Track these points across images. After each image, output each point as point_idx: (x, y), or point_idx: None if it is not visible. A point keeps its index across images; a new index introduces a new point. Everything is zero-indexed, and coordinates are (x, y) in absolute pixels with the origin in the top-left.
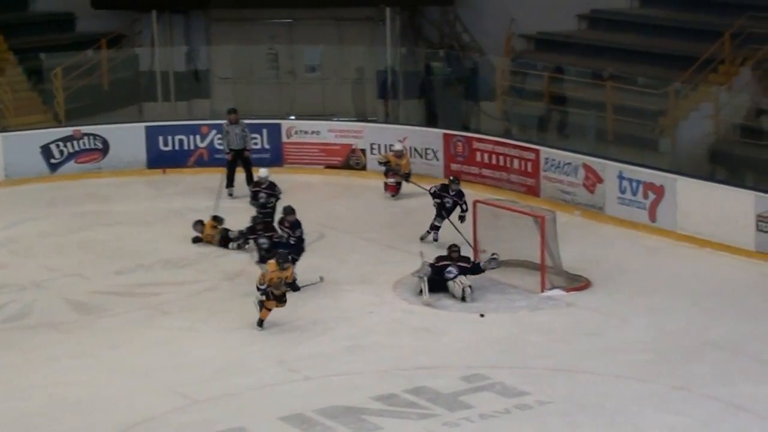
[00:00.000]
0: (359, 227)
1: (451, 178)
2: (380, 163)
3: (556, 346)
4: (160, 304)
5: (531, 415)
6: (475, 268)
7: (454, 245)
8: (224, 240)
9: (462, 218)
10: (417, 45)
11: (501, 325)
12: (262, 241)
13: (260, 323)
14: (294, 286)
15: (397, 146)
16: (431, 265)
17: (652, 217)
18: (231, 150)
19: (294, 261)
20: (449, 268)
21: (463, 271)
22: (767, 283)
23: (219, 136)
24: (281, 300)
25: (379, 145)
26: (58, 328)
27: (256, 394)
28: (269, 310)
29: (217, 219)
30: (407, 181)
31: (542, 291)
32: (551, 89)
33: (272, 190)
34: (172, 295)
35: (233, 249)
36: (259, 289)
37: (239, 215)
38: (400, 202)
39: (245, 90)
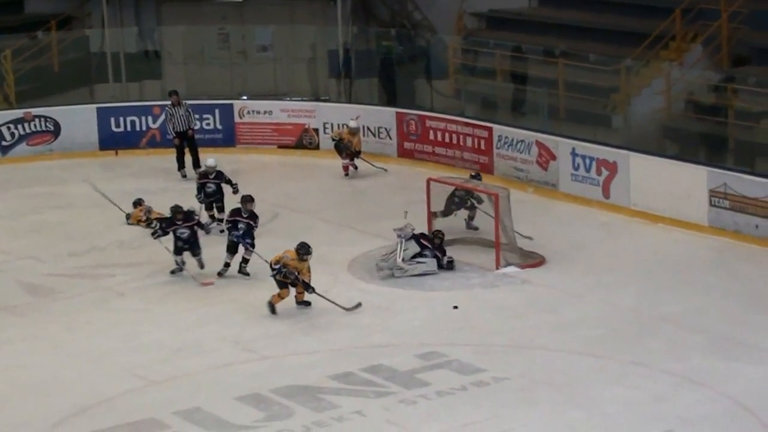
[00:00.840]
0: (313, 207)
1: (472, 174)
2: (333, 139)
3: (511, 323)
4: (115, 285)
5: (488, 391)
6: (444, 265)
7: (440, 231)
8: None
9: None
10: (368, 24)
11: (456, 303)
12: (182, 231)
13: (272, 309)
14: (307, 286)
15: (352, 123)
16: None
17: (606, 194)
18: (177, 133)
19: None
20: (425, 251)
21: (435, 259)
22: (720, 258)
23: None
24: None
25: (332, 124)
26: (12, 311)
27: (212, 374)
28: (282, 298)
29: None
30: (357, 157)
31: (497, 268)
32: (503, 67)
33: (220, 179)
34: (126, 276)
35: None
36: (273, 268)
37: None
38: (354, 181)
39: (197, 70)
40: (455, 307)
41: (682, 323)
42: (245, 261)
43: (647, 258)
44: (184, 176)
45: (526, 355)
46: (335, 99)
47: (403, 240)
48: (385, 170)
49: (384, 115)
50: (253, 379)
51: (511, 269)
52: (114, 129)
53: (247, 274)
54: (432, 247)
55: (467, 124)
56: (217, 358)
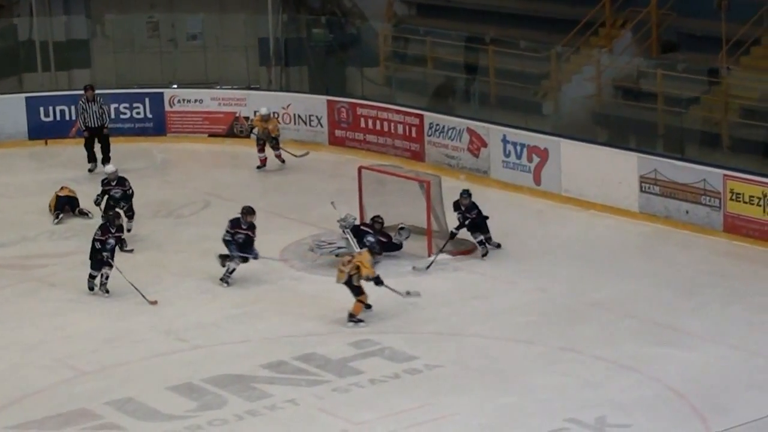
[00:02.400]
0: (244, 195)
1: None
2: (241, 131)
3: (443, 311)
4: (46, 276)
5: (420, 379)
6: (392, 245)
7: (378, 216)
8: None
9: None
10: (299, 11)
11: (388, 290)
12: (111, 242)
13: (352, 317)
14: (378, 281)
15: (263, 110)
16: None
17: (537, 180)
18: (87, 128)
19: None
20: (368, 237)
21: (382, 245)
22: (651, 244)
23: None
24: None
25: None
26: None
27: (144, 364)
28: (363, 303)
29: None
30: (276, 147)
31: (429, 255)
32: (433, 54)
33: (123, 185)
34: (58, 266)
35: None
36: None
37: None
38: (285, 169)
39: (126, 59)
40: (408, 293)
41: (613, 309)
42: (231, 271)
43: (578, 244)
44: (92, 170)
45: (458, 343)
46: (266, 87)
47: (348, 230)
48: (307, 153)
49: (315, 103)
50: (185, 368)
51: (442, 256)
52: (43, 118)
53: (227, 284)
54: (373, 232)
55: (398, 112)
56: (148, 348)
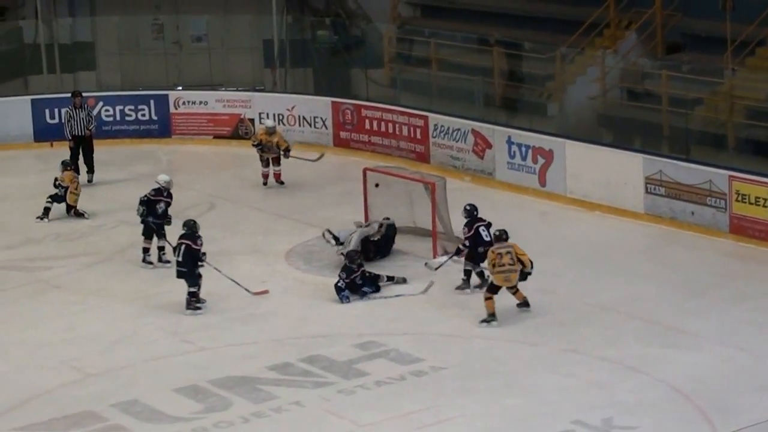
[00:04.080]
0: (250, 197)
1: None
2: (254, 145)
3: (448, 312)
4: (52, 278)
5: (426, 381)
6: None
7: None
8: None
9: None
10: (303, 13)
11: (393, 292)
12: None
13: (493, 315)
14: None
15: (268, 122)
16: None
17: (542, 182)
18: (73, 136)
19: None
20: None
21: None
22: (656, 245)
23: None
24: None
25: (267, 114)
26: None
27: (149, 366)
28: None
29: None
30: (287, 156)
31: (434, 257)
32: (438, 56)
33: (171, 199)
34: (63, 268)
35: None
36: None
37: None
38: (290, 170)
39: (131, 61)
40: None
41: (618, 310)
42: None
43: (584, 246)
44: (90, 181)
45: (463, 344)
46: (270, 89)
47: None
48: (322, 155)
49: (319, 105)
50: (190, 370)
51: (445, 259)
52: (49, 120)
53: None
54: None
55: (403, 113)
56: (154, 350)
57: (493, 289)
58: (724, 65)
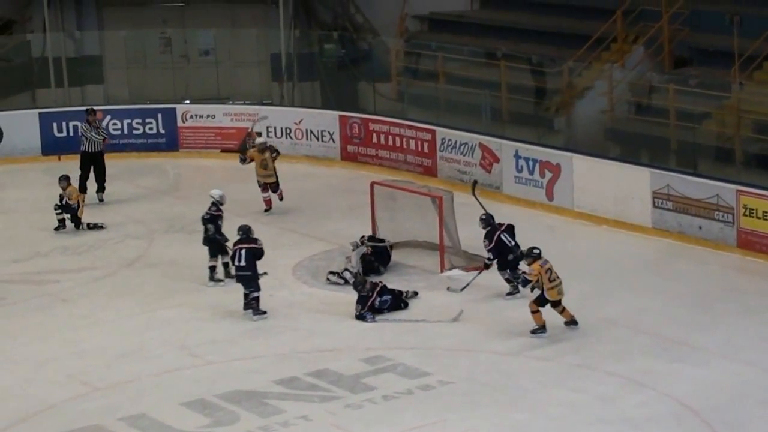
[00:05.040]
0: (256, 210)
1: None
2: (244, 162)
3: (456, 326)
4: (59, 291)
5: (433, 395)
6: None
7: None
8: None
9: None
10: (310, 27)
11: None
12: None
13: (543, 327)
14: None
15: (259, 139)
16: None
17: (549, 196)
18: (88, 154)
19: None
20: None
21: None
22: (663, 260)
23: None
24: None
25: (275, 128)
26: None
27: (157, 379)
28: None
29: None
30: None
31: (441, 271)
32: (445, 69)
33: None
34: (70, 282)
35: None
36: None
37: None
38: (297, 184)
39: (139, 75)
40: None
41: (625, 325)
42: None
43: (591, 260)
44: (102, 200)
45: (471, 359)
46: (278, 102)
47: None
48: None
49: (327, 119)
50: (198, 384)
51: (455, 272)
52: (57, 134)
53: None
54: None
55: (410, 127)
56: (161, 364)
57: (542, 303)
58: (731, 79)
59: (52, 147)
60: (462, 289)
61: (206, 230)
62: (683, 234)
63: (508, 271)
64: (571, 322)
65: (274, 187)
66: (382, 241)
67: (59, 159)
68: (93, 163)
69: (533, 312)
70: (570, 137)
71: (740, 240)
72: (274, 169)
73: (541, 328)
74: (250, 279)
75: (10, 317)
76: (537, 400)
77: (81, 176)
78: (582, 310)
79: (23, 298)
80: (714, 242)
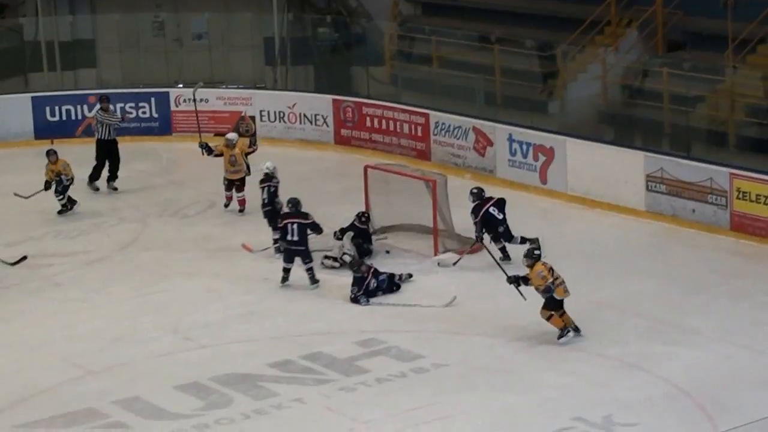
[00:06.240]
0: (249, 194)
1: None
2: (209, 153)
3: (449, 310)
4: (52, 275)
5: (427, 378)
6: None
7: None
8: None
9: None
10: (304, 11)
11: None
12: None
13: (570, 330)
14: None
15: (230, 135)
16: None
17: (543, 179)
18: (105, 141)
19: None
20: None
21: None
22: (657, 243)
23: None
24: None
25: (268, 112)
26: None
27: (150, 363)
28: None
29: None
30: (248, 173)
31: (435, 254)
32: (439, 53)
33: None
34: (63, 266)
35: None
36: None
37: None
38: (291, 168)
39: (132, 58)
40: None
41: (619, 308)
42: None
43: (584, 243)
44: (97, 189)
45: (464, 342)
46: (271, 86)
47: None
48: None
49: (320, 103)
50: (192, 367)
51: (449, 255)
52: (49, 118)
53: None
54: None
55: (404, 111)
56: (155, 347)
57: (553, 305)
58: (725, 63)
59: (44, 131)
60: (454, 264)
61: (275, 203)
62: (677, 217)
63: (502, 240)
64: (574, 329)
65: (239, 185)
66: (355, 227)
67: (52, 143)
68: (108, 152)
69: (548, 319)
70: (564, 121)
71: (733, 223)
72: (248, 166)
73: (565, 329)
74: (303, 253)
75: (4, 301)
76: (530, 382)
77: (96, 166)
78: (575, 294)
79: (16, 282)
80: (707, 225)
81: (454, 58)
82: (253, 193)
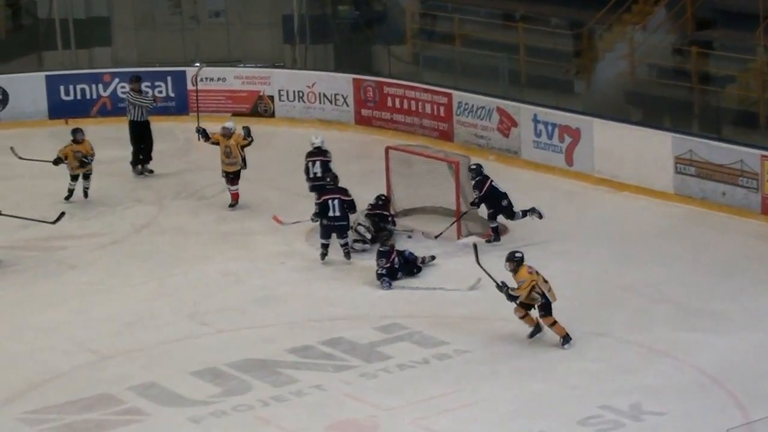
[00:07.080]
0: (268, 176)
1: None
2: (206, 140)
3: (473, 295)
4: (67, 258)
5: (450, 364)
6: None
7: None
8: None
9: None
10: None
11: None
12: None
13: (567, 338)
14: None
15: (228, 123)
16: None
17: (569, 161)
18: (137, 123)
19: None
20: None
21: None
22: (685, 227)
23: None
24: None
25: (287, 91)
26: None
27: (167, 348)
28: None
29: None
30: (244, 167)
31: (458, 238)
32: (462, 32)
33: (325, 155)
34: (78, 249)
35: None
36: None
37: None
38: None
39: (148, 37)
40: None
41: (647, 293)
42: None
43: (611, 226)
44: (147, 172)
45: (488, 327)
46: (290, 65)
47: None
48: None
49: (340, 82)
50: (209, 353)
51: (472, 239)
52: (64, 97)
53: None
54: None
55: (426, 90)
56: (171, 332)
57: (550, 310)
58: (756, 42)
59: (59, 110)
60: (436, 237)
61: (332, 180)
62: (706, 200)
63: (498, 219)
64: (537, 330)
65: (233, 178)
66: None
67: (66, 123)
68: (142, 134)
69: (551, 325)
70: (590, 101)
71: (765, 206)
72: (243, 159)
73: (567, 337)
74: (345, 228)
75: (18, 285)
76: (555, 369)
77: (133, 151)
78: (602, 278)
79: (31, 265)
80: (738, 209)
81: (477, 37)
82: (249, 188)
